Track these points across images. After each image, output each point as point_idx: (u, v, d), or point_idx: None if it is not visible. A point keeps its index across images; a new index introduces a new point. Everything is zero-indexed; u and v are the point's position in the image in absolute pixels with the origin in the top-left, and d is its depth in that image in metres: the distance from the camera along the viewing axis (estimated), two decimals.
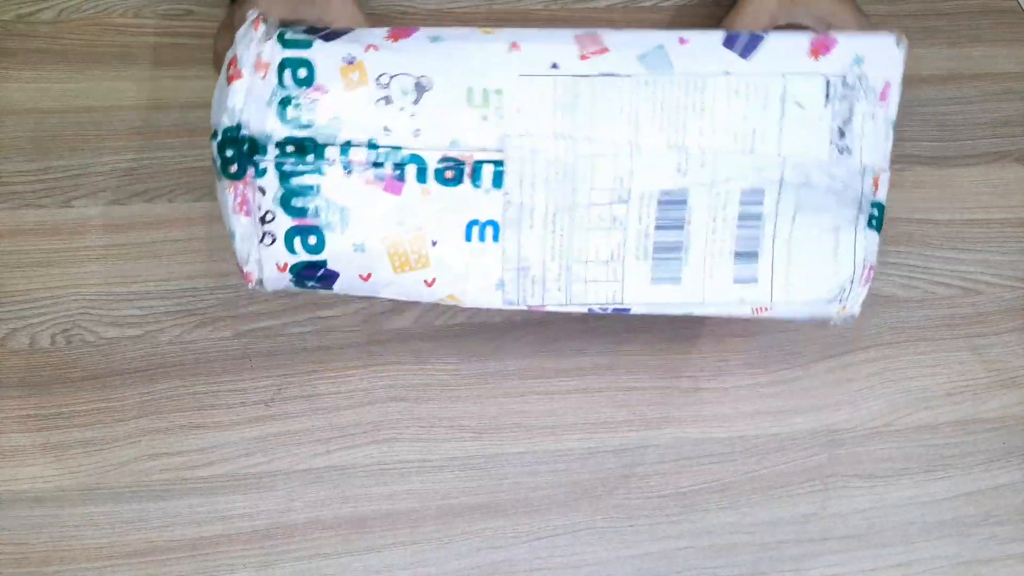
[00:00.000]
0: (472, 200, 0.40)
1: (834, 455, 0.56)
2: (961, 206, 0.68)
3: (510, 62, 0.40)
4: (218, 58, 0.45)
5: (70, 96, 0.65)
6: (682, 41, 0.40)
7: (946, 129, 0.71)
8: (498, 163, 0.39)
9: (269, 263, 0.41)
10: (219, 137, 0.40)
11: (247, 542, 0.51)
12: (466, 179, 0.40)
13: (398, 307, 0.58)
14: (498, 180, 0.40)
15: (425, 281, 0.42)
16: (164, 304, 0.58)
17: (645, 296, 0.41)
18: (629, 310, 0.42)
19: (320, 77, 0.40)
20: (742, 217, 0.40)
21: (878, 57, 0.41)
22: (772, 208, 0.40)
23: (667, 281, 0.41)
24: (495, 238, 0.41)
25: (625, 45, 0.40)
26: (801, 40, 0.40)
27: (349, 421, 0.55)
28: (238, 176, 0.40)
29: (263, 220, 0.40)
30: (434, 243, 0.41)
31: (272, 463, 0.54)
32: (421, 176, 0.40)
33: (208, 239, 0.59)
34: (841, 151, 0.41)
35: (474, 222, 0.40)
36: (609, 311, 0.42)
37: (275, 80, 0.40)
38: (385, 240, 0.41)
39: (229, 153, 0.40)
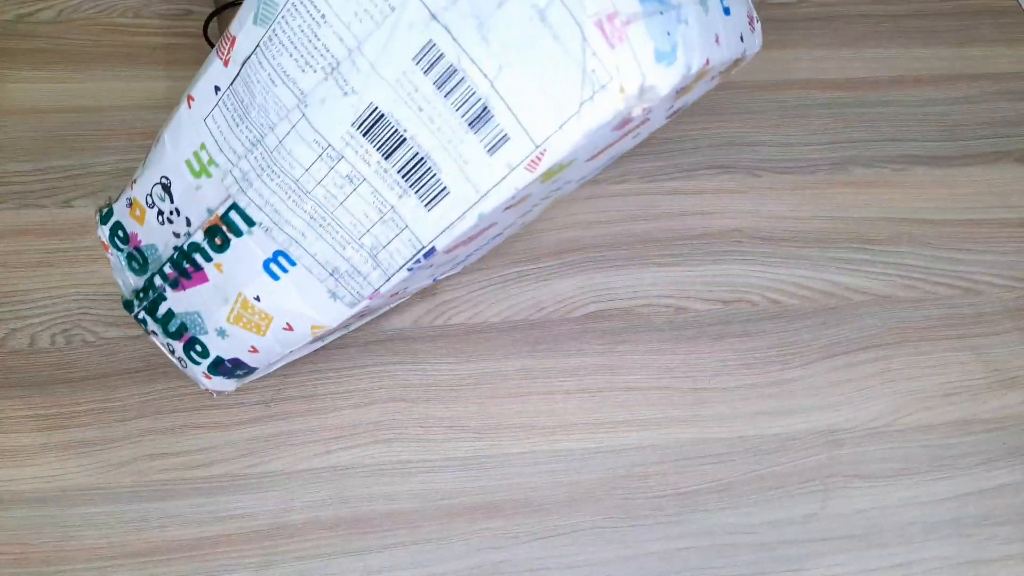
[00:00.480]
0: (247, 248, 0.43)
1: (834, 455, 0.56)
2: (961, 206, 0.68)
3: (194, 116, 0.42)
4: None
5: (70, 96, 0.65)
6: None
7: (946, 129, 0.71)
8: (232, 207, 0.43)
9: (199, 377, 0.49)
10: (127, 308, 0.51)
11: (247, 542, 0.51)
12: (229, 235, 0.44)
13: (398, 307, 0.58)
14: (247, 218, 0.43)
15: (283, 328, 0.45)
16: None
17: (432, 225, 0.39)
18: (435, 249, 0.39)
19: (127, 226, 0.49)
20: (438, 84, 0.35)
21: None
22: (452, 46, 0.34)
23: (438, 197, 0.38)
24: (291, 261, 0.43)
25: (238, 21, 0.39)
26: None
27: (349, 421, 0.55)
28: (148, 330, 0.50)
29: (172, 352, 0.49)
30: (257, 298, 0.45)
31: (272, 463, 0.54)
32: (205, 257, 0.45)
33: None
34: None
35: (266, 262, 0.43)
36: (423, 262, 0.41)
37: (113, 248, 0.50)
38: (231, 319, 0.46)
39: (135, 317, 0.50)
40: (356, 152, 0.38)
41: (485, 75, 0.34)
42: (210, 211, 0.44)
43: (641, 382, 0.58)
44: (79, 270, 0.59)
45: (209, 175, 0.43)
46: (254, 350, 0.47)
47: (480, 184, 0.37)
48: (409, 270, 0.41)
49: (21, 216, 0.61)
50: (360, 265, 0.42)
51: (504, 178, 0.36)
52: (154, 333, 0.50)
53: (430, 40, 0.34)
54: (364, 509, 0.53)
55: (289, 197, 0.41)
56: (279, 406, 0.56)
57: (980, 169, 0.70)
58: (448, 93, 0.35)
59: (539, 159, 0.35)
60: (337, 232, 0.41)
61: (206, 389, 0.50)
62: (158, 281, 0.47)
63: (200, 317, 0.47)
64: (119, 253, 0.50)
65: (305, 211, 0.41)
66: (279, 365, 0.51)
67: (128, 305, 0.50)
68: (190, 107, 0.42)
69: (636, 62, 0.32)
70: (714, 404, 0.58)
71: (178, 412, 0.55)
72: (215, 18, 0.59)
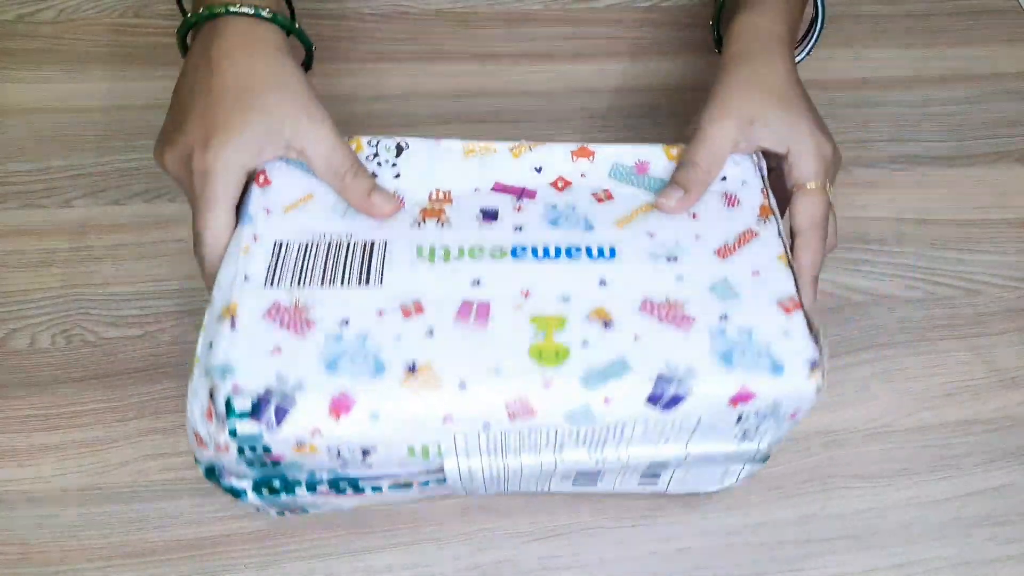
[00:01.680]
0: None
1: (834, 455, 0.56)
2: (961, 206, 0.68)
3: (446, 429, 0.41)
4: (208, 278, 0.45)
5: (70, 96, 0.66)
6: (606, 401, 0.41)
7: (946, 129, 0.71)
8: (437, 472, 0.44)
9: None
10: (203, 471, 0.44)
11: (247, 542, 0.51)
12: (415, 485, 0.45)
13: None
14: (440, 480, 0.45)
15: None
16: (164, 304, 0.58)
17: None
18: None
19: (275, 449, 0.41)
20: (643, 476, 0.48)
21: (792, 397, 0.42)
22: (667, 476, 0.48)
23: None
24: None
25: (553, 408, 0.41)
26: (723, 390, 0.41)
27: None
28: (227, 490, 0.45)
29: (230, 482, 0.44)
30: None
31: None
32: (376, 490, 0.45)
33: None
34: (742, 441, 0.45)
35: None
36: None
37: (234, 448, 0.41)
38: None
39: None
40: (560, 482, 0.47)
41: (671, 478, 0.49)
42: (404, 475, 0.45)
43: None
44: (79, 270, 0.59)
45: (426, 458, 0.43)
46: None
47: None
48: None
49: (21, 216, 0.61)
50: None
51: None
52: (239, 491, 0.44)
53: (667, 462, 0.46)
54: (364, 509, 0.53)
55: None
56: None
57: (980, 169, 0.70)
58: (643, 476, 0.48)
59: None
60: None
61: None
62: (298, 490, 0.44)
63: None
64: (241, 459, 0.42)
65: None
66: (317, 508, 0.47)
67: (210, 473, 0.43)
68: (443, 423, 0.42)
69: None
70: None
71: (178, 412, 0.55)
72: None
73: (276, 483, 0.44)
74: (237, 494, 0.44)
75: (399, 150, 0.48)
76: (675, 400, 0.41)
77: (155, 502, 0.52)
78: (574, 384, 0.40)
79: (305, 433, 0.40)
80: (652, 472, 0.47)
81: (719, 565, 0.52)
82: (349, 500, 0.46)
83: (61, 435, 0.53)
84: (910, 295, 0.63)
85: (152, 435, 0.54)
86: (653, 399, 0.41)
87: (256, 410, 0.39)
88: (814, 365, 0.41)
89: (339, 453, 0.41)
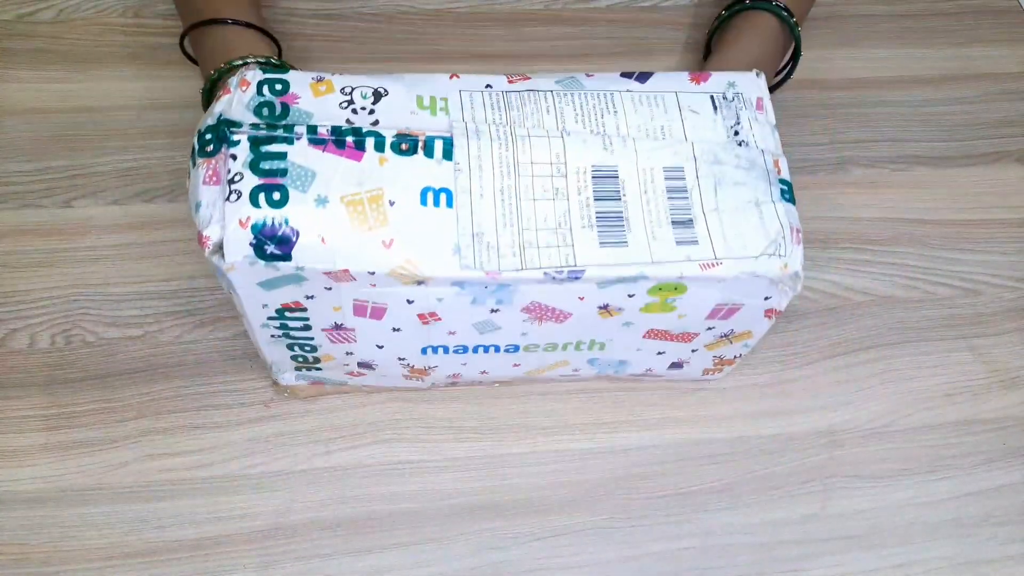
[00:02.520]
0: (425, 169, 0.44)
1: (834, 455, 0.56)
2: (961, 206, 0.68)
3: (452, 83, 0.48)
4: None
5: (70, 96, 0.65)
6: (588, 75, 0.49)
7: (946, 129, 0.71)
8: (447, 139, 0.45)
9: (232, 220, 0.42)
10: (200, 131, 0.44)
11: (247, 542, 0.51)
12: (419, 151, 0.44)
13: None
14: (448, 153, 0.45)
15: (383, 242, 0.43)
16: (164, 304, 0.58)
17: (595, 258, 0.44)
18: (583, 272, 0.44)
19: (294, 88, 0.46)
20: (669, 190, 0.46)
21: (745, 82, 0.49)
22: (694, 182, 0.46)
23: (614, 244, 0.45)
24: (449, 204, 0.44)
25: (544, 76, 0.48)
26: (682, 73, 0.49)
27: (349, 421, 0.55)
28: (213, 153, 0.44)
29: (231, 182, 0.43)
30: (391, 203, 0.44)
31: (272, 463, 0.54)
32: (379, 147, 0.44)
33: None
34: (739, 143, 0.47)
35: (429, 188, 0.44)
36: (564, 275, 0.44)
37: (255, 91, 0.45)
38: (344, 197, 0.43)
39: (207, 137, 0.44)
40: (578, 181, 0.45)
41: (703, 206, 0.45)
42: (409, 128, 0.45)
43: (641, 382, 0.58)
44: (79, 270, 0.59)
45: (433, 113, 0.46)
46: (324, 241, 0.43)
47: (656, 254, 0.44)
48: (545, 275, 0.44)
49: (21, 216, 0.61)
50: (504, 247, 0.44)
51: (679, 261, 0.44)
52: (219, 159, 0.43)
53: (682, 168, 0.46)
54: (364, 509, 0.53)
55: (499, 166, 0.45)
56: (279, 406, 0.56)
57: (980, 169, 0.70)
58: (672, 198, 0.46)
59: (712, 266, 0.44)
60: (510, 213, 0.44)
61: (206, 242, 0.43)
62: (298, 129, 0.44)
63: (313, 177, 0.43)
64: (252, 94, 0.45)
65: (501, 181, 0.45)
66: (321, 283, 0.45)
67: (212, 125, 0.44)
68: (450, 78, 0.48)
69: (797, 260, 0.45)
70: (714, 404, 0.58)
71: (178, 412, 0.55)
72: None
73: (277, 125, 0.44)
74: (211, 139, 0.44)
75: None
76: (644, 76, 0.48)
77: (155, 502, 0.52)
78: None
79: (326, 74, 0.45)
80: (680, 207, 0.46)
81: (719, 565, 0.52)
82: (345, 168, 0.44)
83: (61, 435, 0.53)
84: (910, 295, 0.63)
85: (152, 435, 0.54)
86: (626, 75, 0.49)
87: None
88: None
89: (352, 96, 0.45)
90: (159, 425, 0.54)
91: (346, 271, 0.43)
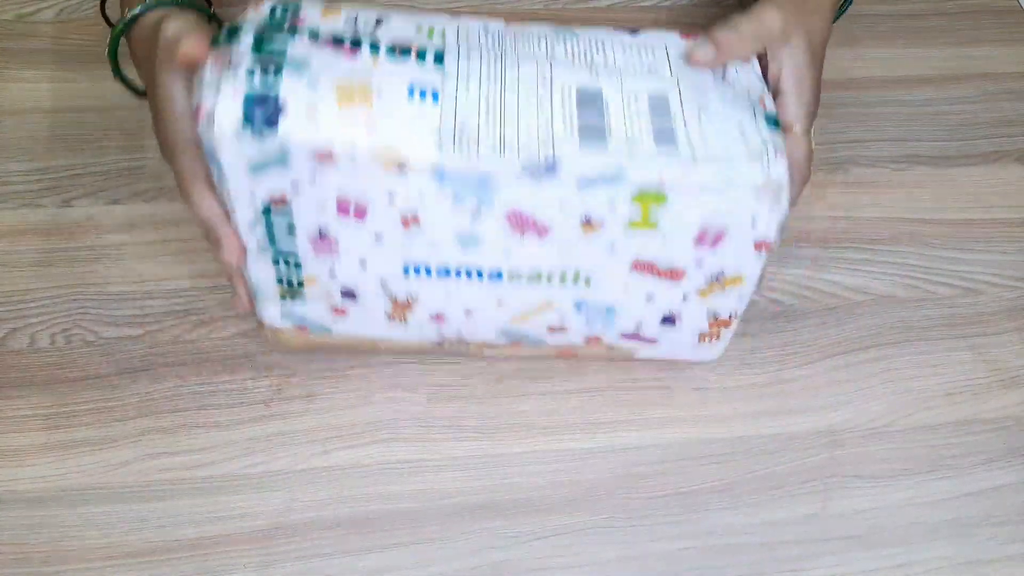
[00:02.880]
0: (416, 70, 0.47)
1: (834, 455, 0.56)
2: (961, 206, 0.68)
3: (452, 20, 0.51)
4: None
5: (70, 96, 0.66)
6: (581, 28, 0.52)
7: (946, 129, 0.71)
8: (440, 51, 0.48)
9: (226, 92, 0.44)
10: (214, 36, 0.47)
11: (247, 542, 0.51)
12: (412, 57, 0.47)
13: None
14: (440, 60, 0.47)
15: (368, 125, 0.45)
16: (164, 304, 0.58)
17: (575, 150, 0.46)
18: (559, 165, 0.45)
19: (303, 10, 0.48)
20: (653, 108, 0.47)
21: None
22: (678, 108, 0.48)
23: (594, 148, 0.46)
24: (435, 100, 0.46)
25: (540, 25, 0.52)
26: (672, 31, 0.52)
27: (349, 421, 0.55)
28: (216, 43, 0.46)
29: (231, 64, 0.45)
30: (379, 93, 0.46)
31: (272, 463, 0.54)
32: (374, 50, 0.47)
33: None
34: (724, 81, 0.49)
35: (416, 85, 0.46)
36: (542, 164, 0.45)
37: (267, 12, 0.48)
38: (334, 80, 0.45)
39: (219, 39, 0.46)
40: (562, 97, 0.47)
41: (686, 125, 0.47)
42: (411, 41, 0.48)
43: (641, 382, 0.58)
44: (79, 270, 0.59)
45: (430, 37, 0.49)
46: (310, 117, 0.45)
47: (636, 156, 0.46)
48: (523, 168, 0.45)
49: (21, 216, 0.61)
50: (485, 142, 0.45)
51: (658, 164, 0.45)
52: (224, 49, 0.46)
53: (667, 96, 0.48)
54: (364, 509, 0.53)
55: (486, 78, 0.48)
56: (279, 406, 0.56)
57: (980, 169, 0.70)
58: (655, 117, 0.47)
59: (691, 164, 0.45)
60: (493, 115, 0.46)
61: (201, 113, 0.45)
62: (300, 32, 0.47)
63: (307, 65, 0.45)
64: (265, 15, 0.48)
65: (487, 88, 0.47)
66: (306, 168, 0.46)
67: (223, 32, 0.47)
68: (457, 18, 0.51)
69: (780, 170, 0.46)
70: (714, 404, 0.58)
71: (178, 412, 0.55)
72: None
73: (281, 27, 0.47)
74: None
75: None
76: (635, 30, 0.51)
77: (155, 502, 0.52)
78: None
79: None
80: (662, 125, 0.47)
81: (719, 565, 0.52)
82: (339, 61, 0.46)
83: (61, 435, 0.53)
84: (910, 295, 0.63)
85: (152, 435, 0.54)
86: (617, 30, 0.52)
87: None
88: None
89: (356, 19, 0.48)
90: (159, 424, 0.54)
91: (329, 152, 0.45)
